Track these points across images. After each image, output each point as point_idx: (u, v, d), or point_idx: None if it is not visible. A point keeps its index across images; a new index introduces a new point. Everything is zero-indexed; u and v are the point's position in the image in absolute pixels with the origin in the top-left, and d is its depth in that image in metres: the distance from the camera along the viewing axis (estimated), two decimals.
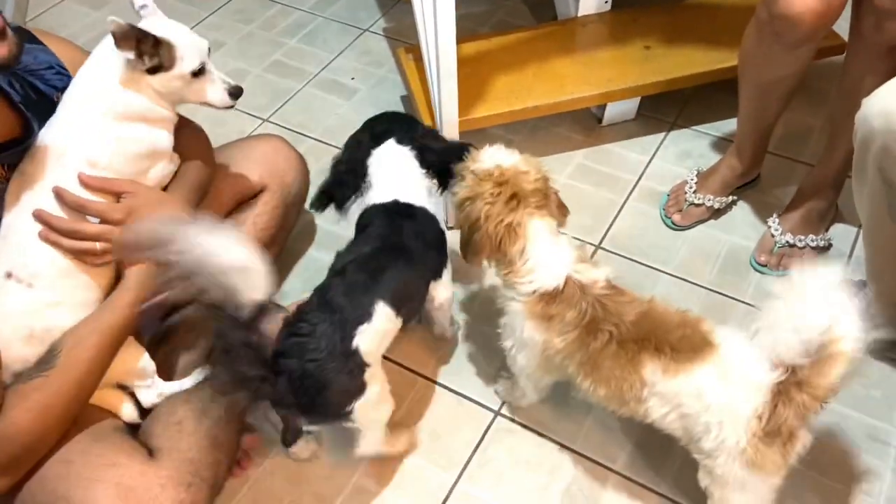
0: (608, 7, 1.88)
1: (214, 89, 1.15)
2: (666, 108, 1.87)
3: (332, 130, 1.89)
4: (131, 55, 1.05)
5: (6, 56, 0.96)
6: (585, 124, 1.87)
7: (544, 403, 1.35)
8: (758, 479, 1.00)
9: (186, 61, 1.10)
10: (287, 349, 1.03)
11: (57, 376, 0.99)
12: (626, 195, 1.71)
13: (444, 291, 1.29)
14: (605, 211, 1.68)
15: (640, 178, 1.74)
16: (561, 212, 1.16)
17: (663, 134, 1.84)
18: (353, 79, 2.04)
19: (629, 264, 1.57)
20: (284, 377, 1.01)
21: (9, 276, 1.04)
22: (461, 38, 1.43)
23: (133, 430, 1.13)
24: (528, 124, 1.86)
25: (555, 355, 1.10)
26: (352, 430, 1.13)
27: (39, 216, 1.04)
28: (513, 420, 1.34)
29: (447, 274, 1.28)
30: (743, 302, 1.49)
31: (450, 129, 1.56)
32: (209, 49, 1.14)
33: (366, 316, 1.06)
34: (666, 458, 1.27)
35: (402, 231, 1.16)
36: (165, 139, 1.15)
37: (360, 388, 1.06)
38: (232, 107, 1.18)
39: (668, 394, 1.02)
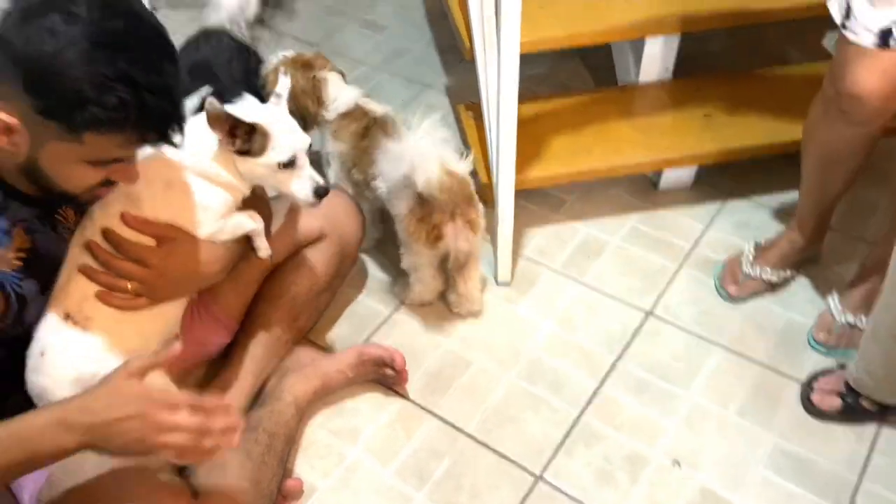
0: (669, 75, 1.89)
1: (300, 185, 1.14)
2: (724, 177, 1.85)
3: None
4: (219, 136, 1.07)
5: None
6: (641, 188, 1.86)
7: (587, 470, 1.32)
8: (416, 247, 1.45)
9: (277, 152, 1.10)
10: None
11: None
12: (680, 262, 1.69)
13: None
14: (658, 277, 1.66)
15: (695, 246, 1.73)
16: (340, 72, 1.64)
17: (720, 203, 1.82)
18: None
19: (681, 333, 1.55)
20: None
21: (67, 317, 1.05)
22: (521, 99, 1.46)
23: (179, 468, 1.14)
24: (583, 185, 1.86)
25: (346, 159, 1.56)
26: None
27: (87, 245, 1.06)
28: (555, 487, 1.31)
29: None
30: (798, 381, 1.44)
31: (506, 188, 1.57)
32: (310, 145, 1.16)
33: None
34: None
35: None
36: (220, 199, 1.13)
37: None
38: (315, 205, 1.17)
39: (383, 171, 1.45)
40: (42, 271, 1.02)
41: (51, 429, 0.84)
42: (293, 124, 1.14)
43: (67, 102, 0.86)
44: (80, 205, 1.07)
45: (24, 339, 1.03)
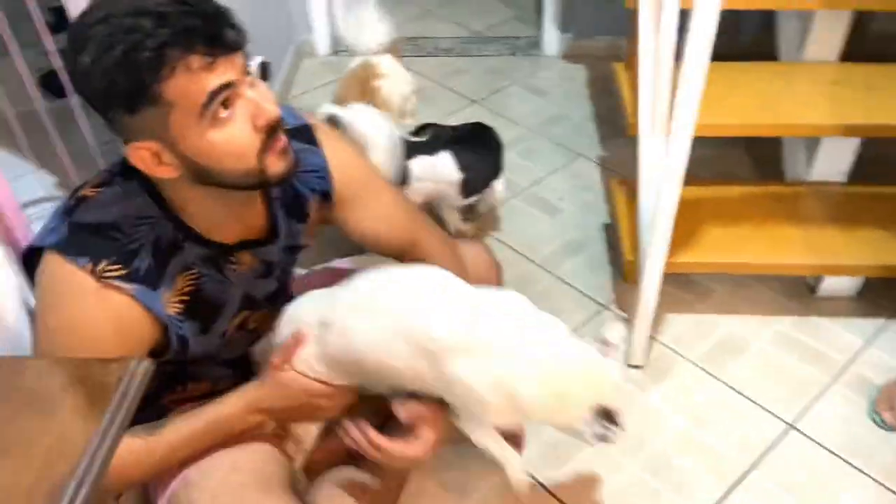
0: (844, 178, 1.79)
1: None
2: (893, 293, 1.72)
3: (529, 243, 1.93)
4: None
5: (285, 173, 0.95)
6: (797, 291, 1.76)
7: None
8: None
9: None
10: None
11: (147, 444, 1.00)
12: (833, 377, 1.57)
13: None
14: (806, 388, 1.55)
15: (851, 362, 1.60)
16: None
17: (885, 320, 1.68)
18: (560, 199, 2.08)
19: (824, 454, 1.43)
20: None
21: None
22: None
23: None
24: (734, 277, 1.79)
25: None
26: None
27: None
28: None
29: None
30: None
31: (654, 269, 1.53)
32: None
33: None
34: None
35: None
36: None
37: None
38: None
39: None
40: (203, 313, 1.02)
41: (242, 415, 1.06)
42: None
43: (123, 82, 0.81)
44: (259, 246, 1.06)
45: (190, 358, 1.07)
